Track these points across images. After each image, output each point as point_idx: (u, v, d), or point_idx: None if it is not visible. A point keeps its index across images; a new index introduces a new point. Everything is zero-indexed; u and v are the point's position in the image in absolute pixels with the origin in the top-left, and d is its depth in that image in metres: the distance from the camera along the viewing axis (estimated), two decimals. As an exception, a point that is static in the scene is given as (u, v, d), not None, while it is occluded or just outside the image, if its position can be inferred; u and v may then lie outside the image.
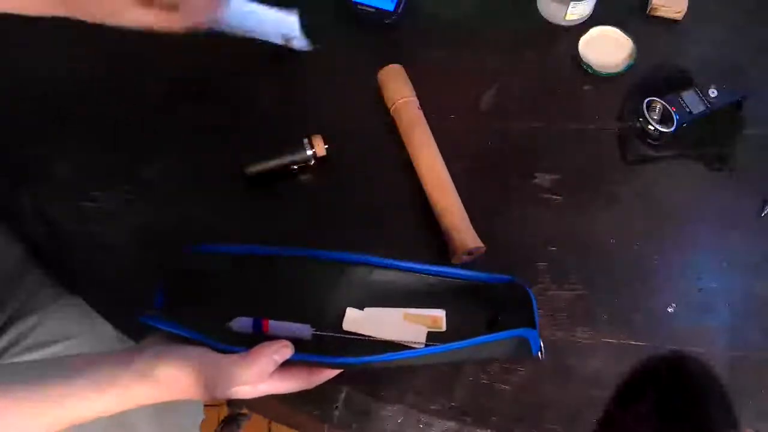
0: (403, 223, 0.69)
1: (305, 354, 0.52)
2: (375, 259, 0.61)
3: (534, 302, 0.58)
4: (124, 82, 0.67)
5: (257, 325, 0.56)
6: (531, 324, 0.57)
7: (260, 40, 0.72)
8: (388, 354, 0.54)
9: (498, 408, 0.60)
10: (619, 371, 0.62)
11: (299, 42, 0.76)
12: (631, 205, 0.70)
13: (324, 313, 0.60)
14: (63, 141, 0.74)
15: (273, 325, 0.56)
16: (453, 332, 0.59)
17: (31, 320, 0.70)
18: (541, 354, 0.57)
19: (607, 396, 0.61)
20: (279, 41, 0.75)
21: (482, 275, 0.61)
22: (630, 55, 0.77)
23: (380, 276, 0.61)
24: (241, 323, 0.55)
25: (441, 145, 0.71)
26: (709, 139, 0.73)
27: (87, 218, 0.70)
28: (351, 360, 0.53)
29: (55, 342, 0.70)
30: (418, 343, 0.58)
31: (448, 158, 0.70)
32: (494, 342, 0.54)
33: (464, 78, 0.77)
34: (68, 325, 0.72)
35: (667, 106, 0.70)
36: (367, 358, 0.53)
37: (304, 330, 0.57)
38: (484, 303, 0.60)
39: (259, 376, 0.50)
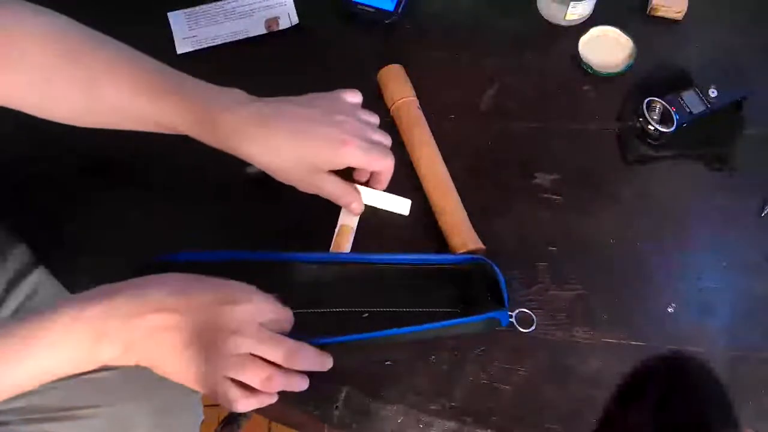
0: (403, 223, 0.69)
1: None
2: (343, 256, 0.65)
3: (501, 278, 0.62)
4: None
5: None
6: (500, 298, 0.61)
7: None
8: (366, 333, 0.59)
9: (498, 408, 0.60)
10: (619, 371, 0.62)
11: (284, 21, 0.77)
12: (631, 205, 0.70)
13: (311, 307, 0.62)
14: (63, 141, 0.74)
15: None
16: (426, 313, 0.61)
17: (30, 320, 0.70)
18: (514, 321, 0.62)
19: (607, 396, 0.61)
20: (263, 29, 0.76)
21: (455, 258, 0.64)
22: (630, 55, 0.77)
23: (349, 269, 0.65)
24: None
25: (441, 145, 0.71)
26: (709, 139, 0.73)
27: (87, 219, 0.70)
28: (326, 339, 0.58)
29: (54, 342, 0.70)
30: (402, 209, 0.67)
31: (448, 158, 0.70)
32: (469, 323, 0.60)
33: (464, 78, 0.77)
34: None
35: (667, 106, 0.70)
36: (348, 337, 0.59)
37: None
38: (454, 283, 0.63)
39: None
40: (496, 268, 0.62)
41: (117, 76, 0.58)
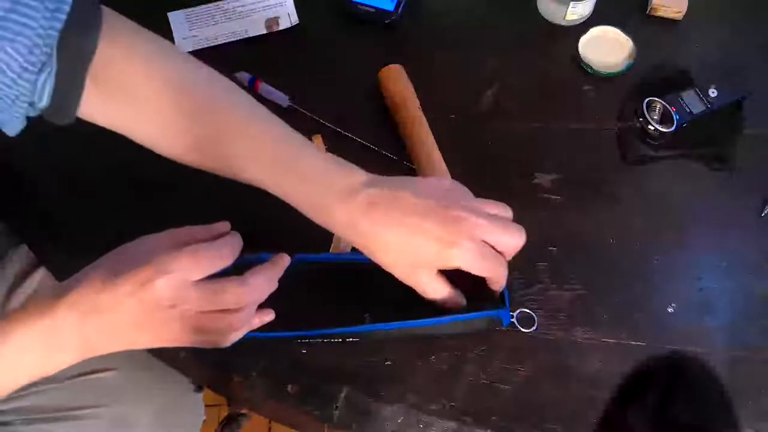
0: (403, 223, 0.69)
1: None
2: (343, 256, 0.65)
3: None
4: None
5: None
6: (500, 297, 0.61)
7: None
8: (366, 326, 0.60)
9: (498, 408, 0.60)
10: (619, 371, 0.62)
11: (285, 21, 0.77)
12: (631, 205, 0.70)
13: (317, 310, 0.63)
14: (63, 141, 0.74)
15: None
16: (427, 314, 0.60)
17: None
18: (515, 321, 0.62)
19: (607, 396, 0.61)
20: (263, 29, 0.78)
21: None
22: (630, 55, 0.77)
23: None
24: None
25: (441, 145, 0.71)
26: (709, 139, 0.73)
27: (87, 219, 0.70)
28: (326, 331, 0.60)
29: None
30: None
31: (448, 158, 0.70)
32: (470, 319, 0.60)
33: (464, 78, 0.77)
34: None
35: (667, 106, 0.70)
36: (349, 329, 0.60)
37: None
38: (454, 283, 0.62)
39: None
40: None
41: (239, 141, 0.57)
